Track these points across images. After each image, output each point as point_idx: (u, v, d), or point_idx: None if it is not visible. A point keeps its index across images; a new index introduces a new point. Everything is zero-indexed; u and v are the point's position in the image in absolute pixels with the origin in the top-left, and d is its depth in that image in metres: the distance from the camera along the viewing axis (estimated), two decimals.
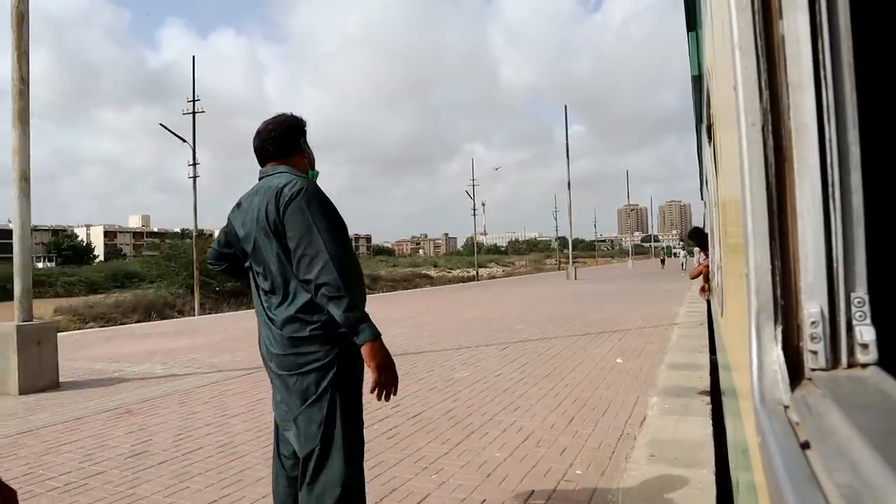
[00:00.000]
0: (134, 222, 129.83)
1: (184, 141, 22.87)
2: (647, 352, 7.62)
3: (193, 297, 22.06)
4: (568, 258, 36.22)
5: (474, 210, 50.93)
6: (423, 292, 26.67)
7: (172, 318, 18.59)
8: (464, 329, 10.77)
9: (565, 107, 34.52)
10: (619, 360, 6.94)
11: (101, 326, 16.45)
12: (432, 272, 55.02)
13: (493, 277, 48.55)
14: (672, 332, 9.54)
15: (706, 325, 9.45)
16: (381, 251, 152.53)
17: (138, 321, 17.38)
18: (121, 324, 17.05)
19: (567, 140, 34.02)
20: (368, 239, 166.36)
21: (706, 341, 8.04)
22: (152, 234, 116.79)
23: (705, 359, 6.80)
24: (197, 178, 23.21)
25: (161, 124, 22.09)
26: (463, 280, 43.07)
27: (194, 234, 23.07)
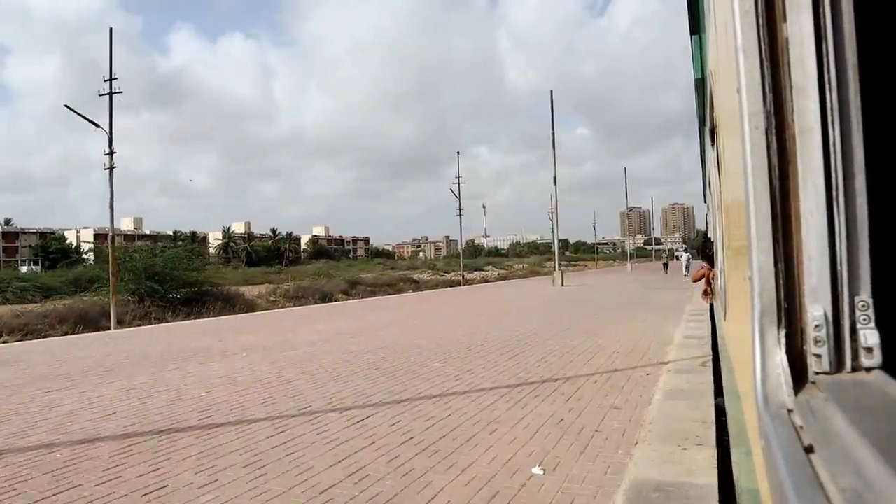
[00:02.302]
0: (126, 225, 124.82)
1: (97, 126, 19.88)
2: (604, 435, 4.51)
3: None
4: (556, 262, 32.69)
5: (460, 210, 46.05)
6: (392, 300, 24.04)
7: (107, 328, 16.76)
8: (359, 365, 7.93)
9: (551, 92, 30.74)
10: (537, 471, 3.88)
11: (18, 340, 14.67)
12: (426, 275, 53.61)
13: (486, 281, 46.95)
14: (657, 381, 6.23)
15: (712, 362, 6.71)
16: (379, 254, 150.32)
17: (64, 334, 15.46)
18: (44, 336, 15.04)
19: (553, 129, 30.45)
20: (367, 241, 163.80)
21: (710, 404, 5.08)
22: (144, 237, 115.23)
23: (709, 458, 3.83)
24: (114, 169, 20.10)
25: (66, 106, 18.98)
26: (452, 284, 41.33)
27: (111, 234, 20.46)
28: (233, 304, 23.17)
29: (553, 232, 33.09)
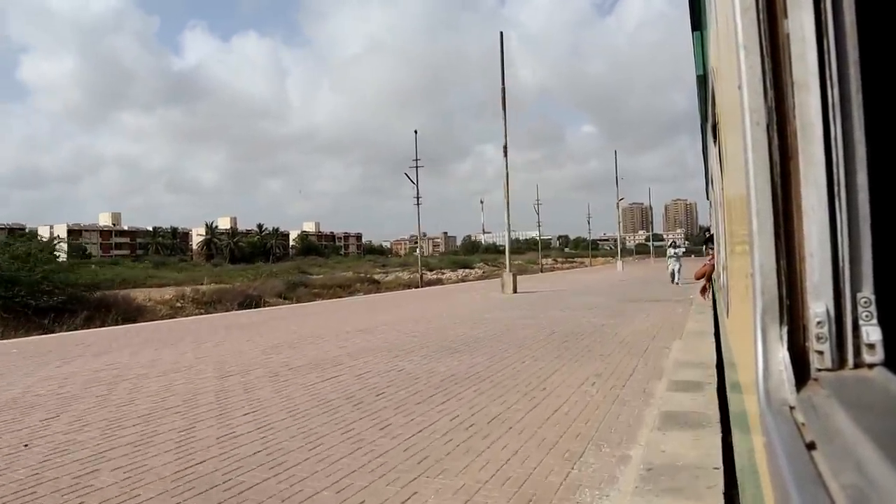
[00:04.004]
0: (104, 220, 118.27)
1: None
2: None
3: None
4: (507, 261, 24.69)
5: (417, 198, 37.12)
6: (301, 309, 18.31)
7: None
8: None
9: (500, 34, 23.46)
10: None
11: None
12: (407, 273, 49.67)
13: (464, 280, 42.24)
14: None
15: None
16: (372, 250, 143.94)
17: None
18: None
19: (503, 82, 22.35)
20: (359, 237, 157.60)
21: None
22: (121, 233, 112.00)
23: None
24: None
25: None
26: (425, 283, 35.71)
27: None
28: (106, 314, 18.36)
29: (540, 228, 26.60)
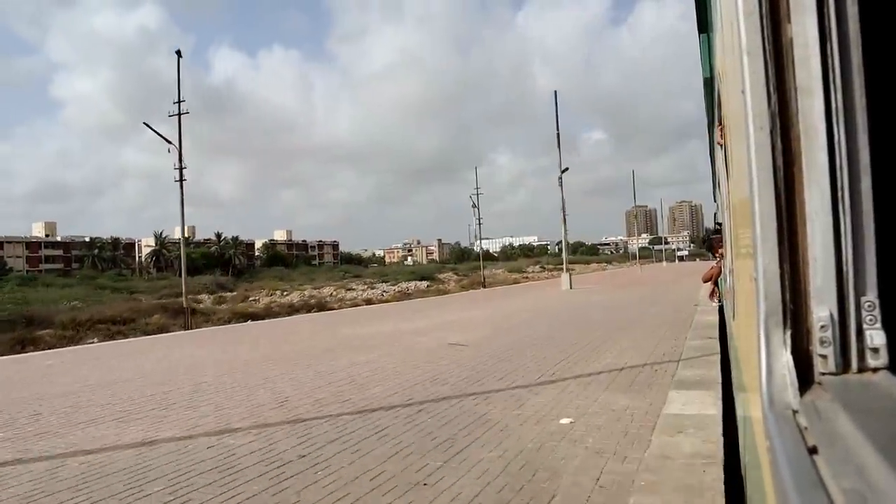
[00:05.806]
0: (38, 230, 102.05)
1: None
2: None
3: None
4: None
5: (181, 170, 25.03)
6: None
7: None
8: None
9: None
10: None
11: None
12: (331, 289, 42.97)
13: (406, 296, 36.83)
14: None
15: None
16: (349, 259, 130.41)
17: None
18: None
19: None
20: (335, 246, 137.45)
21: None
22: (53, 245, 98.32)
23: None
24: None
25: None
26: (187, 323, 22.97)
27: None
28: None
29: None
